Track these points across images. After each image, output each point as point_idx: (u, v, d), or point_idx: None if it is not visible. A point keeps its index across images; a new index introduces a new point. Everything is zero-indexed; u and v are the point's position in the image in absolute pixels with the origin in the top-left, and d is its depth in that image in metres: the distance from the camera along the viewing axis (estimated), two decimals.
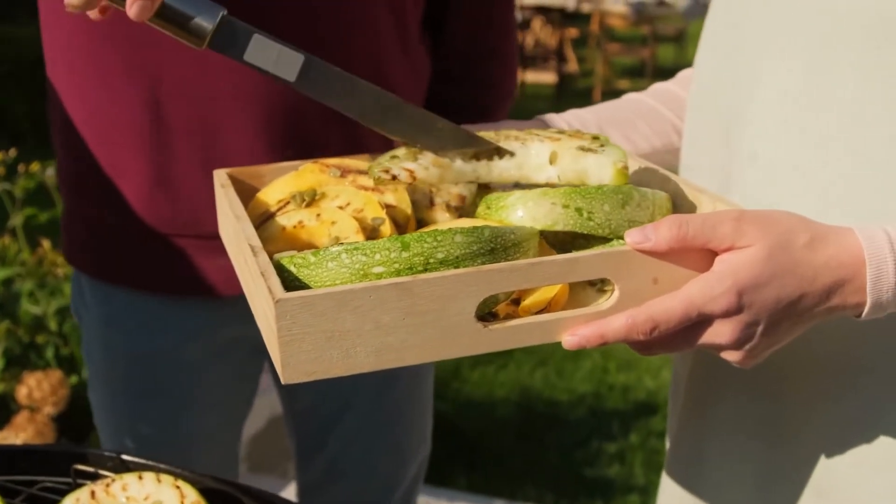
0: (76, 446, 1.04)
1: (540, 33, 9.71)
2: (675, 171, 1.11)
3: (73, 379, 2.36)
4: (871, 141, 0.86)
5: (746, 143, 0.96)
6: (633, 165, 1.00)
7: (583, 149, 0.89)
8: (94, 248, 1.34)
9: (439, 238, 0.73)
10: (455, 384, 3.52)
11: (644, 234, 0.76)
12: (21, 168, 2.64)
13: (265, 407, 2.79)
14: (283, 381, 0.71)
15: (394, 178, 0.86)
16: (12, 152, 2.62)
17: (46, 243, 2.58)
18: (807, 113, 0.90)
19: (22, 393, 2.26)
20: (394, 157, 0.89)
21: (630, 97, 1.20)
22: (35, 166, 2.61)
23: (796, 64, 0.91)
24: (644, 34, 9.83)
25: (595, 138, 0.92)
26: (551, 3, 9.76)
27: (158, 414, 1.39)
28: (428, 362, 0.77)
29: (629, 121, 1.13)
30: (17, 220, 2.63)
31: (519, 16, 9.63)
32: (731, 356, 0.80)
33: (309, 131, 1.24)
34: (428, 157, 0.89)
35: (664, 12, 9.68)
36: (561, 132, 0.94)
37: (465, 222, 0.85)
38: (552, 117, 1.11)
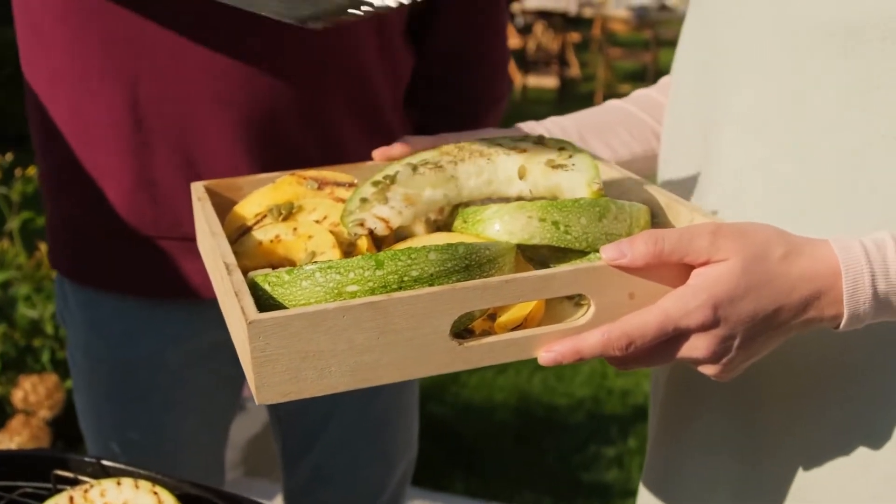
0: (57, 451, 1.04)
1: (542, 38, 9.70)
2: (656, 177, 1.11)
3: (69, 383, 2.36)
4: (845, 150, 0.87)
5: (723, 151, 0.96)
6: (612, 174, 1.00)
7: (552, 164, 0.89)
8: (76, 251, 1.34)
9: (413, 256, 0.73)
10: (454, 388, 3.52)
11: (620, 249, 0.76)
12: (18, 172, 2.65)
13: (261, 411, 2.80)
14: (257, 402, 0.71)
15: (370, 231, 0.85)
16: (8, 156, 2.63)
17: (43, 247, 2.58)
18: (782, 123, 0.90)
19: (17, 396, 2.26)
20: (363, 200, 0.87)
21: (610, 104, 1.20)
22: (32, 170, 2.61)
23: (772, 72, 0.91)
24: (646, 39, 9.82)
25: (561, 149, 0.91)
26: (553, 8, 9.74)
27: (142, 418, 1.39)
28: (404, 380, 0.76)
29: (609, 127, 1.13)
30: (14, 223, 2.64)
31: (521, 20, 9.64)
32: (708, 370, 0.80)
33: (288, 134, 1.24)
34: (398, 195, 0.87)
35: (666, 17, 9.65)
36: (525, 139, 0.93)
37: (442, 237, 0.84)
38: (531, 125, 1.10)
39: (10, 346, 2.43)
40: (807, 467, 0.95)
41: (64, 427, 2.33)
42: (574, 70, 9.93)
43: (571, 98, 9.14)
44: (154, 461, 1.35)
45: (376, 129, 1.31)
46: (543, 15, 9.76)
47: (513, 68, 8.72)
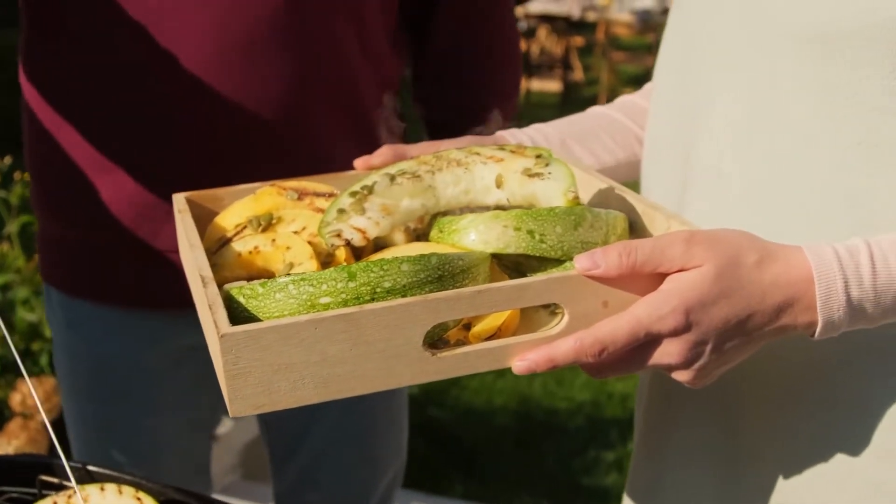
0: (43, 457, 1.05)
1: (545, 42, 9.68)
2: (639, 182, 1.11)
3: None
4: (820, 158, 0.87)
5: (702, 159, 0.96)
6: (591, 181, 1.00)
7: (529, 173, 0.88)
8: (57, 259, 1.36)
9: (385, 267, 0.73)
10: (454, 391, 3.52)
11: (593, 260, 0.76)
12: (17, 175, 2.66)
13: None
14: (230, 415, 0.71)
15: (347, 242, 0.84)
16: (7, 160, 2.64)
17: None
18: (759, 130, 0.91)
19: (16, 400, 2.27)
20: (341, 210, 0.87)
21: (594, 110, 1.19)
22: None
23: (749, 78, 0.91)
24: (649, 43, 9.78)
25: (538, 156, 0.91)
26: (557, 12, 9.73)
27: (122, 419, 1.39)
28: (377, 391, 0.77)
29: (593, 134, 1.13)
30: (13, 226, 2.65)
31: (524, 24, 9.62)
32: (680, 376, 0.80)
33: (272, 145, 1.24)
34: (375, 205, 0.87)
35: None
36: (503, 148, 0.93)
37: (417, 247, 0.84)
38: (514, 132, 1.10)
39: (9, 349, 2.44)
40: (787, 475, 0.95)
41: (62, 430, 2.34)
42: (577, 74, 9.92)
43: (575, 102, 9.13)
44: (137, 463, 1.36)
45: (363, 134, 1.32)
46: (547, 19, 9.75)
47: None
